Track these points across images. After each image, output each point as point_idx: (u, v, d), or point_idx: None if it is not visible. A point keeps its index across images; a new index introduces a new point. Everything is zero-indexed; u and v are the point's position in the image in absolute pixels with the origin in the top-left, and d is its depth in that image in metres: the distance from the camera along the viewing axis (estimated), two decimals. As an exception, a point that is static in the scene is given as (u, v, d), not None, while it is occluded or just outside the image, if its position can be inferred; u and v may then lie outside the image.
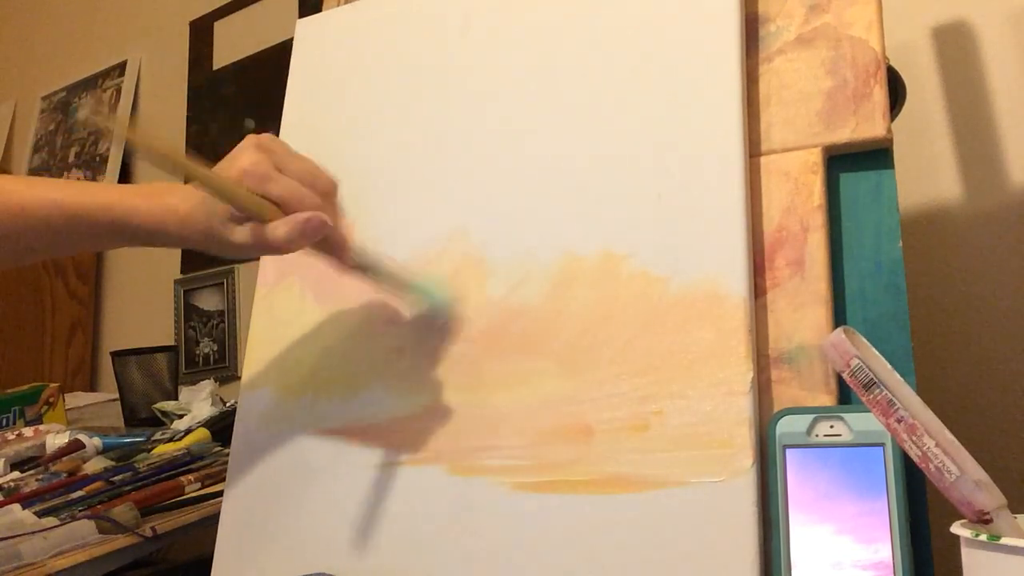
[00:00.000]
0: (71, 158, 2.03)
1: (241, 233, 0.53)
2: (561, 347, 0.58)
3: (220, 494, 0.68)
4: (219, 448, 0.91)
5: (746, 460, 0.50)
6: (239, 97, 1.72)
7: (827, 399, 0.51)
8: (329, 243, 0.55)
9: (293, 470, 0.65)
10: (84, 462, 0.90)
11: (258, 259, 0.74)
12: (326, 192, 0.55)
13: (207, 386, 1.21)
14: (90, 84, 2.08)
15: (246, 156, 0.53)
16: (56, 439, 0.95)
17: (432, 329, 0.63)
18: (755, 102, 0.59)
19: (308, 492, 0.63)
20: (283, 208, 0.53)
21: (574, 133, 0.63)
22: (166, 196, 0.56)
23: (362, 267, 0.59)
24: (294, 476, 0.64)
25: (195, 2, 1.86)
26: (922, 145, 0.94)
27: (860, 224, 0.56)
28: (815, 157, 0.56)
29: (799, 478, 0.48)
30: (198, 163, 0.51)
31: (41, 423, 1.14)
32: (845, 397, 0.52)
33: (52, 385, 1.24)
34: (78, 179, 1.98)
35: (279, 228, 0.52)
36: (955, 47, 0.94)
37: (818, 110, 0.57)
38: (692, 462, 0.51)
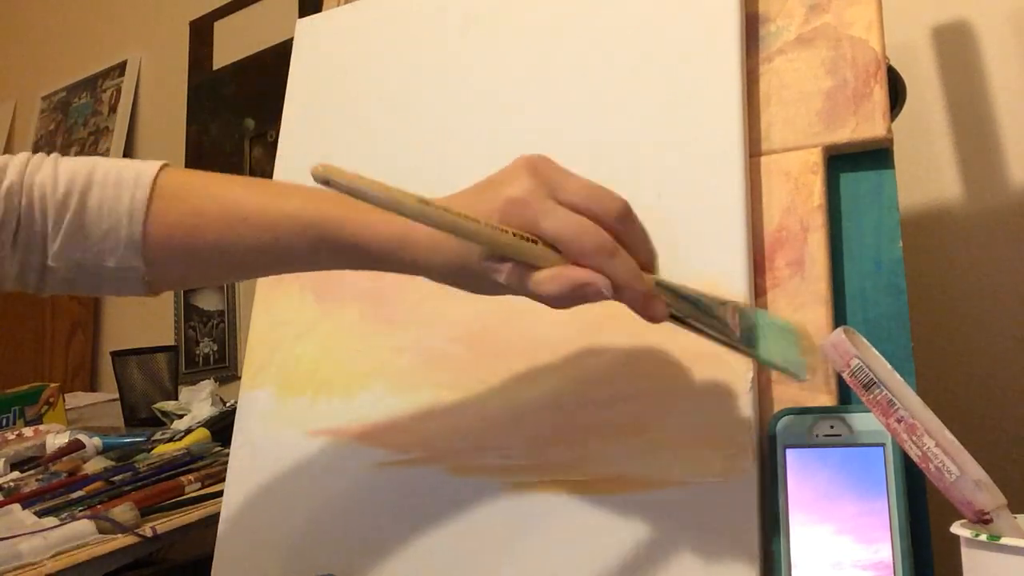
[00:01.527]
0: (71, 158, 2.03)
1: (503, 273, 0.43)
2: (560, 347, 0.58)
3: (220, 494, 0.68)
4: (219, 448, 0.91)
5: (746, 460, 0.50)
6: (239, 97, 1.72)
7: (827, 399, 0.51)
8: (623, 293, 0.43)
9: (293, 470, 0.65)
10: (84, 462, 0.90)
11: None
12: (617, 215, 0.43)
13: (207, 386, 1.21)
14: (90, 84, 2.08)
15: (517, 184, 0.43)
16: (56, 439, 0.95)
17: (431, 328, 0.63)
18: (755, 102, 0.59)
19: (308, 492, 0.63)
20: (559, 248, 0.42)
21: (574, 133, 0.63)
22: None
23: (680, 319, 0.46)
24: (294, 476, 0.64)
25: (195, 2, 1.86)
26: (922, 145, 0.94)
27: (860, 224, 0.56)
28: (815, 157, 0.56)
29: (799, 478, 0.48)
30: (444, 203, 0.41)
31: (41, 423, 1.14)
32: (845, 397, 0.52)
33: (52, 385, 1.24)
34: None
35: (545, 284, 0.42)
36: (955, 47, 0.94)
37: (818, 110, 0.57)
38: (692, 462, 0.51)
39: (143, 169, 0.52)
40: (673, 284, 0.45)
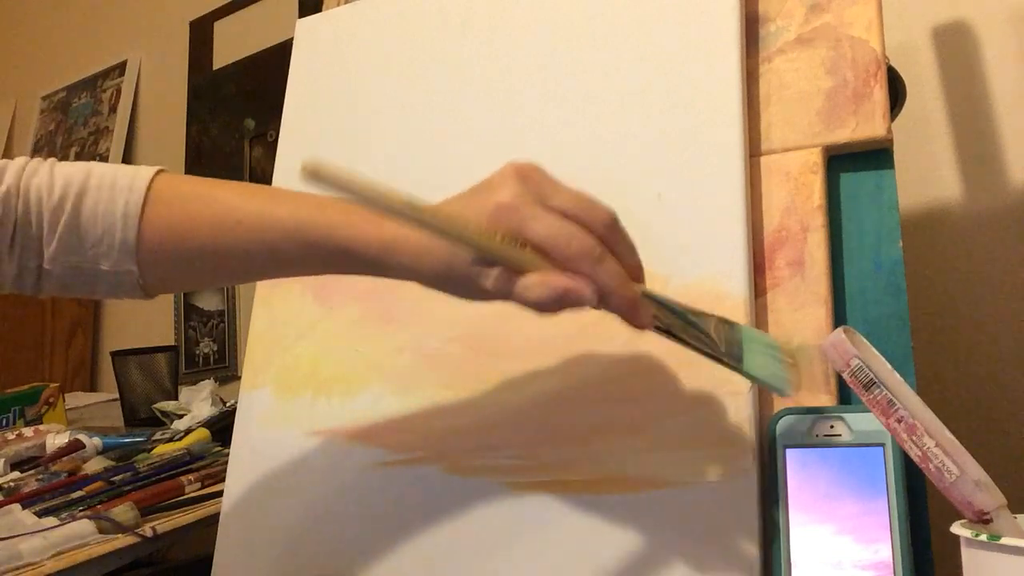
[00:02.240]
0: (71, 158, 2.03)
1: (490, 278, 0.43)
2: (560, 346, 0.58)
3: (220, 494, 0.68)
4: (219, 448, 0.91)
5: (746, 460, 0.50)
6: (239, 97, 1.72)
7: (827, 399, 0.51)
8: (610, 300, 0.43)
9: (293, 470, 0.65)
10: (84, 462, 0.90)
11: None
12: (604, 223, 0.44)
13: (207, 386, 1.21)
14: (90, 84, 2.08)
15: (506, 189, 0.43)
16: (56, 439, 0.95)
17: (431, 328, 0.63)
18: (755, 102, 0.59)
19: (308, 492, 0.63)
20: (546, 254, 0.42)
21: (574, 132, 0.63)
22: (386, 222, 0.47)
23: (666, 330, 0.46)
24: (294, 476, 0.64)
25: (195, 2, 1.86)
26: (922, 145, 0.94)
27: (860, 224, 0.56)
28: (815, 157, 0.56)
29: (799, 478, 0.48)
30: (433, 208, 0.42)
31: (41, 423, 1.14)
32: (845, 397, 0.52)
33: (52, 385, 1.24)
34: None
35: (531, 289, 0.42)
36: (955, 47, 0.94)
37: (818, 110, 0.57)
38: (692, 462, 0.51)
39: (138, 174, 0.53)
40: (660, 296, 0.45)
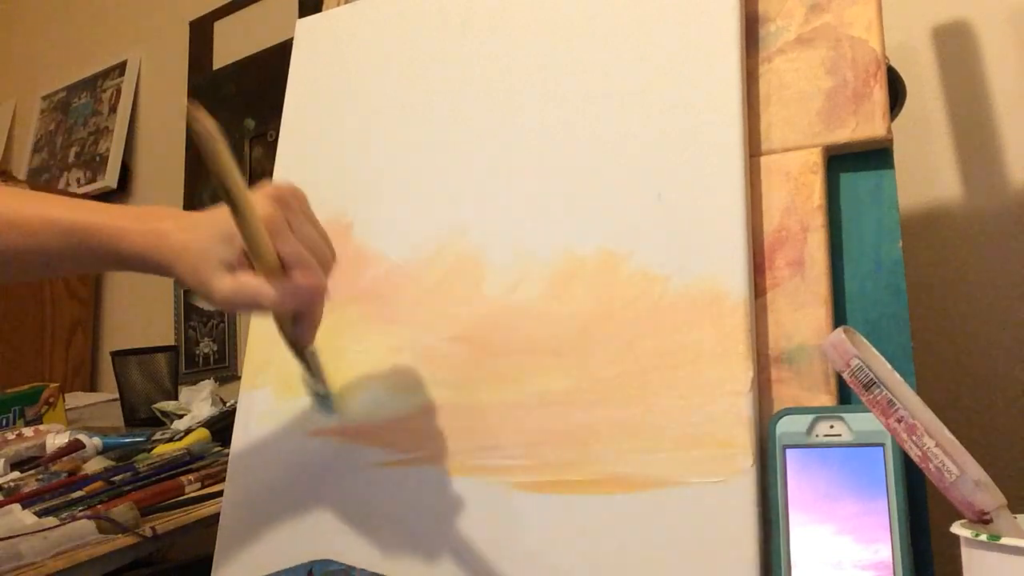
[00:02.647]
0: (71, 158, 2.03)
1: (227, 282, 0.50)
2: (560, 347, 0.58)
3: (220, 494, 0.68)
4: (219, 448, 0.91)
5: (746, 460, 0.50)
6: (239, 97, 1.72)
7: (827, 399, 0.51)
8: (304, 328, 0.53)
9: (293, 470, 0.65)
10: (84, 462, 0.90)
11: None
12: (325, 265, 0.52)
13: (207, 386, 1.21)
14: (90, 84, 2.08)
15: (262, 207, 0.49)
16: (56, 439, 0.94)
17: (431, 328, 0.63)
18: (755, 102, 0.59)
19: (308, 492, 0.63)
20: (285, 267, 0.49)
21: (574, 132, 0.63)
22: (162, 221, 0.53)
23: (307, 359, 0.57)
24: (294, 476, 0.64)
25: (195, 2, 1.86)
26: (922, 145, 0.94)
27: (860, 224, 0.56)
28: (815, 157, 0.56)
29: (799, 478, 0.48)
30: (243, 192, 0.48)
31: (41, 423, 1.14)
32: (845, 397, 0.52)
33: (52, 385, 1.24)
34: (79, 179, 1.98)
35: (266, 291, 0.49)
36: (955, 47, 0.94)
37: (818, 110, 0.57)
38: (692, 462, 0.51)
39: None
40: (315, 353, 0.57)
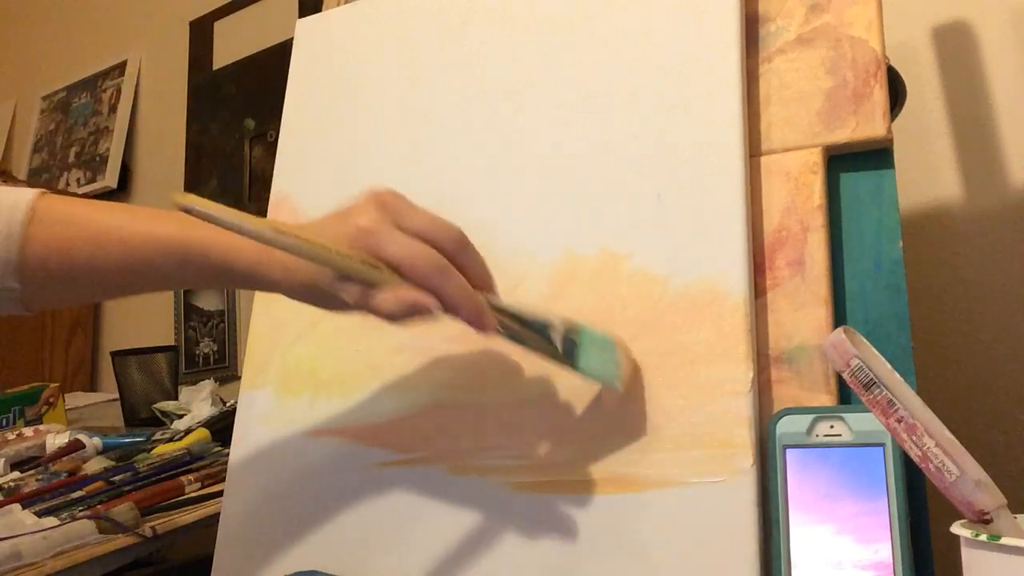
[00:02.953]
0: (71, 158, 2.04)
1: (350, 293, 0.49)
2: (561, 347, 0.58)
3: (220, 494, 0.68)
4: (219, 448, 0.91)
5: (746, 460, 0.50)
6: (239, 97, 1.72)
7: (827, 399, 0.51)
8: (457, 309, 0.49)
9: (293, 470, 0.65)
10: (84, 462, 0.90)
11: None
12: (453, 241, 0.50)
13: (207, 386, 1.21)
14: (90, 84, 2.08)
15: (365, 216, 0.49)
16: (56, 439, 0.95)
17: (431, 328, 0.63)
18: (755, 102, 0.59)
19: (308, 492, 0.63)
20: (399, 271, 0.48)
21: (574, 132, 0.63)
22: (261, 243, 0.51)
23: (508, 335, 0.52)
24: (294, 476, 0.64)
25: (195, 2, 1.86)
26: (922, 145, 0.94)
27: (860, 224, 0.56)
28: (815, 157, 0.56)
29: (799, 478, 0.48)
30: (297, 231, 0.46)
31: (41, 423, 1.14)
32: (845, 397, 0.52)
33: (52, 385, 1.24)
34: (79, 179, 1.98)
35: (385, 304, 0.47)
36: (955, 47, 0.94)
37: (818, 110, 0.57)
38: (692, 462, 0.51)
39: (20, 196, 0.55)
40: (503, 304, 0.51)
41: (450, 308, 0.49)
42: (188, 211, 0.44)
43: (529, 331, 0.52)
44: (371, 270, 0.47)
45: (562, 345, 0.52)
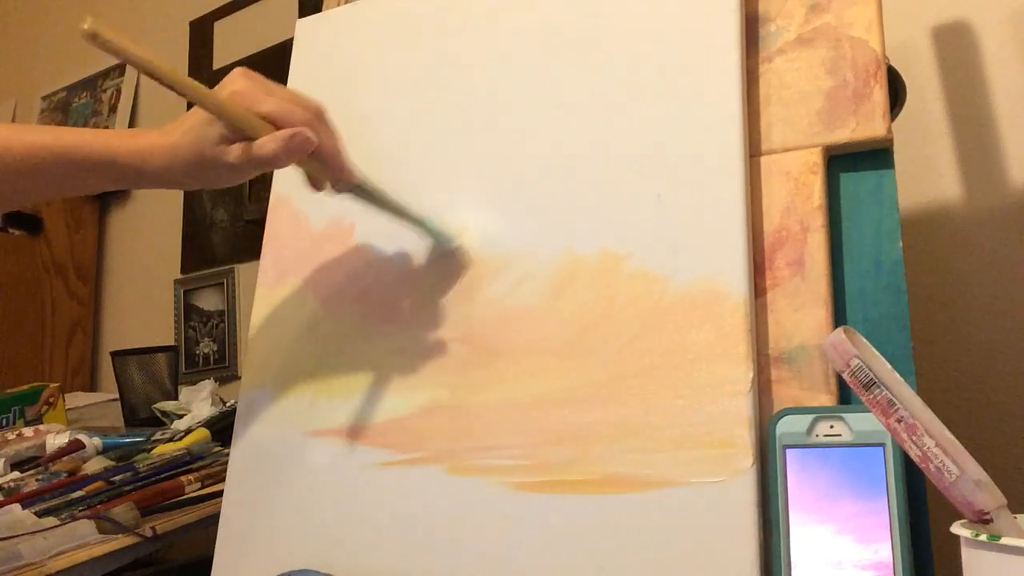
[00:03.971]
0: (71, 158, 2.03)
1: (232, 153, 0.54)
2: (561, 347, 0.58)
3: (220, 494, 0.68)
4: (219, 448, 0.91)
5: (746, 460, 0.50)
6: (239, 97, 1.72)
7: (827, 399, 0.51)
8: (324, 158, 0.57)
9: (293, 470, 0.65)
10: (84, 462, 0.90)
11: (257, 257, 0.74)
12: (316, 109, 0.57)
13: (207, 386, 1.21)
14: (90, 84, 2.08)
15: (237, 82, 0.55)
16: (56, 439, 0.94)
17: (431, 329, 0.63)
18: (755, 102, 0.59)
19: (308, 492, 0.63)
20: (275, 124, 0.54)
21: (574, 132, 0.63)
22: (150, 134, 0.58)
23: (362, 187, 0.60)
24: (294, 476, 0.64)
25: (195, 2, 1.86)
26: (922, 145, 0.94)
27: (860, 224, 0.56)
28: (815, 157, 0.56)
29: (799, 478, 0.48)
30: (197, 84, 0.53)
31: (41, 423, 1.14)
32: (845, 397, 0.52)
33: (52, 385, 1.24)
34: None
35: (267, 144, 0.54)
36: (955, 47, 0.94)
37: (818, 110, 0.57)
38: (692, 462, 0.51)
39: None
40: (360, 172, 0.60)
41: (321, 152, 0.56)
42: (93, 37, 0.46)
43: (380, 195, 0.62)
44: (254, 117, 0.54)
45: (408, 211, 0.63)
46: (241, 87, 0.55)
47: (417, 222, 0.64)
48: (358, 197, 0.61)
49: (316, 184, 0.61)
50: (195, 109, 0.55)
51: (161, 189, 0.59)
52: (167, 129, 0.57)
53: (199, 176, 0.56)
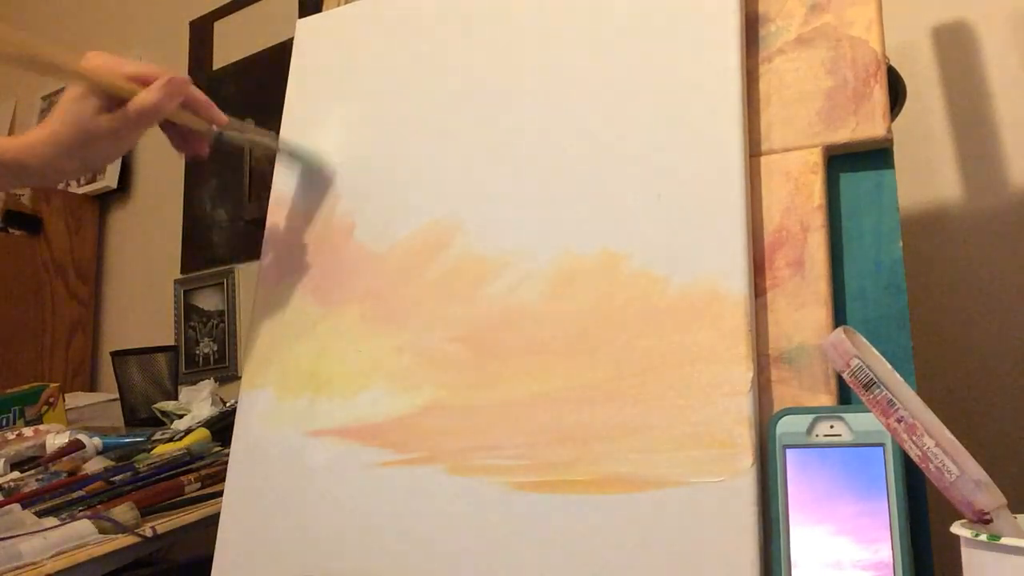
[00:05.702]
0: (71, 158, 2.03)
1: (114, 118, 0.58)
2: (560, 347, 0.58)
3: (220, 494, 0.68)
4: (219, 448, 0.91)
5: (746, 460, 0.50)
6: (239, 97, 1.72)
7: (827, 399, 0.51)
8: (196, 106, 0.63)
9: (293, 470, 0.65)
10: (84, 462, 0.90)
11: (257, 257, 0.74)
12: (180, 75, 0.62)
13: (207, 386, 1.21)
14: (90, 84, 2.07)
15: (97, 59, 0.59)
16: (56, 439, 0.95)
17: (431, 328, 0.63)
18: (755, 102, 0.59)
19: (308, 492, 0.63)
20: (143, 82, 0.59)
21: (574, 132, 0.63)
22: (31, 130, 0.60)
23: (234, 125, 0.66)
24: (294, 476, 0.64)
25: (195, 2, 1.86)
26: (922, 145, 0.94)
27: (860, 224, 0.56)
28: (815, 157, 0.56)
29: (799, 478, 0.48)
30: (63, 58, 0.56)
31: (41, 423, 1.14)
32: (845, 397, 0.52)
33: (52, 385, 1.24)
34: (79, 179, 1.98)
35: (147, 95, 0.58)
36: (955, 47, 0.94)
37: (818, 110, 0.57)
38: (692, 462, 0.51)
39: None
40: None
41: (194, 100, 0.62)
42: None
43: (252, 132, 0.68)
44: (124, 80, 0.58)
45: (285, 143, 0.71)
46: (100, 60, 0.58)
47: (292, 152, 0.72)
48: (232, 141, 0.66)
49: (183, 143, 0.65)
50: (66, 92, 0.58)
51: (47, 186, 0.64)
52: (44, 122, 0.60)
53: (84, 155, 0.59)
